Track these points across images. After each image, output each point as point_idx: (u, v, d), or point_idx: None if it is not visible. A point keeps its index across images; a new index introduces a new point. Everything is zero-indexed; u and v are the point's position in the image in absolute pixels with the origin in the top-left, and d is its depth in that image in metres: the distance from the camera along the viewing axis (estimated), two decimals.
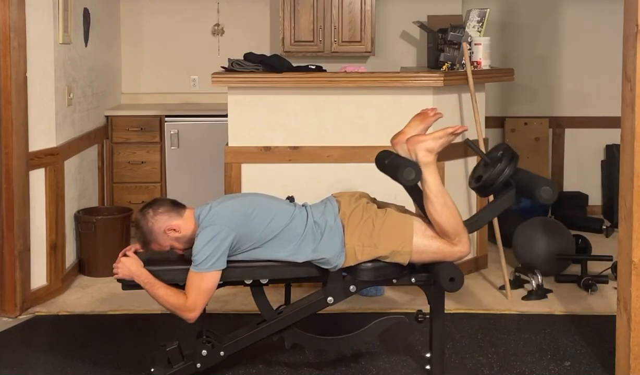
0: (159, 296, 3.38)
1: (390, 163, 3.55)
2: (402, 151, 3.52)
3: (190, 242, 3.44)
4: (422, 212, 3.54)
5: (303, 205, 3.64)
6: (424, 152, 3.42)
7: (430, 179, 3.41)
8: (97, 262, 5.16)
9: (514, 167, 3.49)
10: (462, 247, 3.44)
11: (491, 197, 3.84)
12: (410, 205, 3.72)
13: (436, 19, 6.15)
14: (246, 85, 4.74)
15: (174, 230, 3.45)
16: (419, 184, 3.46)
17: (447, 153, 4.88)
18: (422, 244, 3.43)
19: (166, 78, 6.73)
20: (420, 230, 3.45)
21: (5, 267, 4.40)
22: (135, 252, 3.53)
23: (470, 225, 3.59)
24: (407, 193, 4.48)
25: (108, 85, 6.26)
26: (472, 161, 5.10)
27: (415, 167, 3.40)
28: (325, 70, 4.90)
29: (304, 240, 3.44)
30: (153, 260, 3.49)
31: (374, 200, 3.68)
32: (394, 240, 3.42)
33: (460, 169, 5.06)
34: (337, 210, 3.52)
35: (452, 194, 4.89)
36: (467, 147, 5.05)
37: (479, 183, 3.57)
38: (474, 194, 5.15)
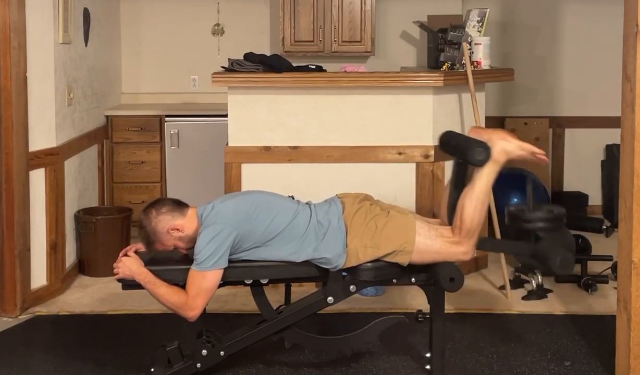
0: (160, 295, 3.38)
1: (459, 142, 3.52)
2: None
3: (193, 241, 3.43)
4: (451, 197, 3.51)
5: (307, 203, 3.63)
6: (500, 150, 3.39)
7: (486, 174, 3.39)
8: (97, 262, 5.15)
9: (552, 228, 3.47)
10: (466, 249, 3.43)
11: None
12: (407, 208, 3.72)
13: (436, 19, 6.15)
14: (246, 85, 4.74)
15: (177, 229, 3.45)
16: (473, 172, 3.43)
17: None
18: (425, 244, 3.42)
19: (166, 78, 6.73)
20: (423, 230, 3.45)
21: (5, 267, 4.40)
22: (136, 252, 3.54)
23: (480, 240, 3.59)
24: (407, 194, 4.51)
25: (108, 85, 6.26)
26: None
27: (486, 149, 3.37)
28: (325, 70, 4.90)
29: (306, 239, 3.44)
30: (153, 260, 3.49)
31: (377, 202, 3.68)
32: (395, 240, 3.42)
33: None
34: (341, 211, 3.51)
35: None
36: None
37: (514, 213, 3.56)
38: None
